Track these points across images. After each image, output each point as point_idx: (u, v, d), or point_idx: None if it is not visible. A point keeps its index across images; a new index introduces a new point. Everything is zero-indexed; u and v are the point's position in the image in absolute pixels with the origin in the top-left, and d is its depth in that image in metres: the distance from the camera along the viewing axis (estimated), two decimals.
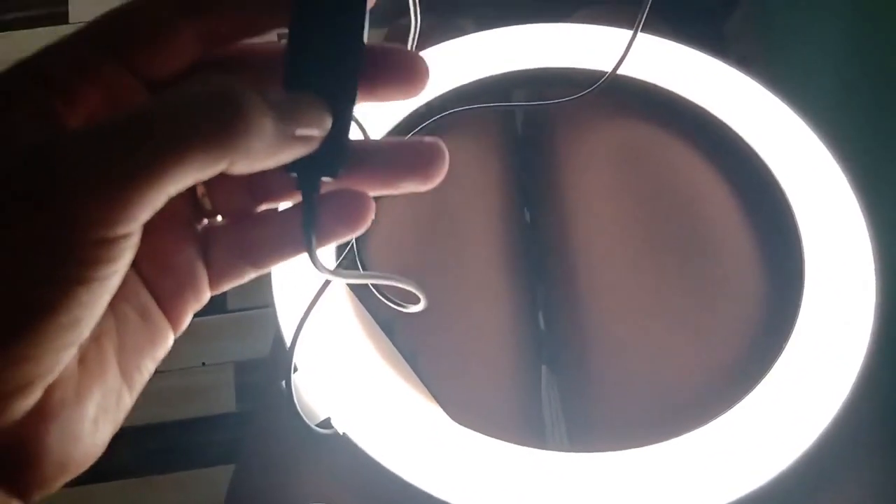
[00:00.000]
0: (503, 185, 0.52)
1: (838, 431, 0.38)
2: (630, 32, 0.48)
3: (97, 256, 0.17)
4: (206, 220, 0.24)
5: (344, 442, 0.39)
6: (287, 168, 0.21)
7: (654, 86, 0.50)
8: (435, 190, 0.54)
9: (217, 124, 0.17)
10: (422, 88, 0.22)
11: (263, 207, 0.24)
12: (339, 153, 0.22)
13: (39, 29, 1.18)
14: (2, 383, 0.17)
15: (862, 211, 0.44)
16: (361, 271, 0.26)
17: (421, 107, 0.49)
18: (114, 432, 0.21)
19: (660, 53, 0.50)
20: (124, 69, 0.20)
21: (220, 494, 0.44)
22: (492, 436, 0.39)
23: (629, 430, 0.42)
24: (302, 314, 0.40)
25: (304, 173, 0.22)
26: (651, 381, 0.43)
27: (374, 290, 0.42)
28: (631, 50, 0.44)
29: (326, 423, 0.40)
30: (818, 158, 0.46)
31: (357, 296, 0.43)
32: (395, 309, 0.41)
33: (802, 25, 0.79)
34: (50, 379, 0.18)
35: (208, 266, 0.23)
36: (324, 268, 0.23)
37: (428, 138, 0.23)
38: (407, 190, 0.23)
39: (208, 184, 0.23)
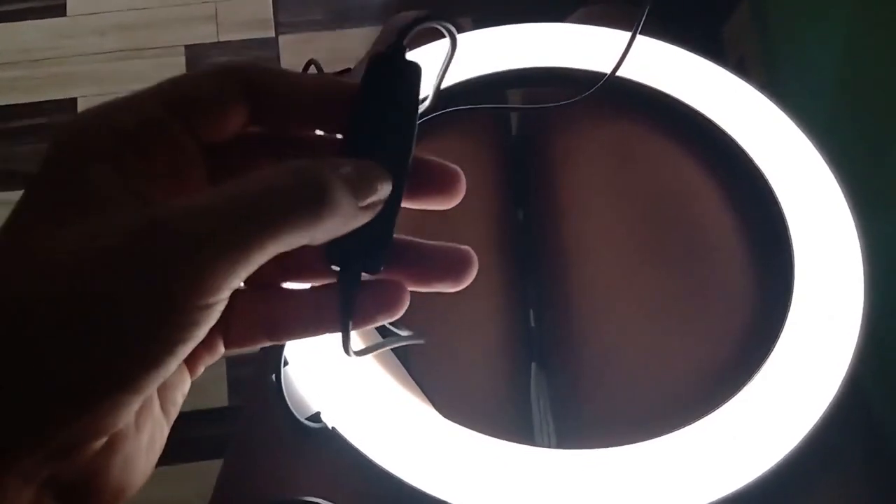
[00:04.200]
0: (496, 184, 0.52)
1: (823, 435, 0.38)
2: (626, 33, 0.48)
3: (198, 319, 0.19)
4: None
5: (333, 436, 0.39)
6: (331, 260, 0.22)
7: (649, 88, 0.50)
8: None
9: (306, 206, 0.19)
10: (457, 201, 0.24)
11: (290, 284, 0.25)
12: (382, 250, 0.23)
13: (38, 21, 1.18)
14: (98, 424, 0.18)
15: (852, 215, 0.45)
16: (375, 343, 0.27)
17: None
18: (158, 456, 0.22)
19: (655, 56, 0.51)
20: (187, 131, 0.22)
21: (212, 488, 0.44)
22: (480, 431, 0.39)
23: (616, 428, 0.42)
24: None
25: (347, 267, 0.23)
26: (639, 380, 0.43)
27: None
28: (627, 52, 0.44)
29: (316, 417, 0.40)
30: (811, 163, 0.46)
31: None
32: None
33: (801, 28, 0.79)
34: (129, 420, 0.19)
35: (226, 328, 0.24)
36: (354, 352, 0.24)
37: (464, 247, 0.24)
38: (436, 290, 0.24)
39: None
